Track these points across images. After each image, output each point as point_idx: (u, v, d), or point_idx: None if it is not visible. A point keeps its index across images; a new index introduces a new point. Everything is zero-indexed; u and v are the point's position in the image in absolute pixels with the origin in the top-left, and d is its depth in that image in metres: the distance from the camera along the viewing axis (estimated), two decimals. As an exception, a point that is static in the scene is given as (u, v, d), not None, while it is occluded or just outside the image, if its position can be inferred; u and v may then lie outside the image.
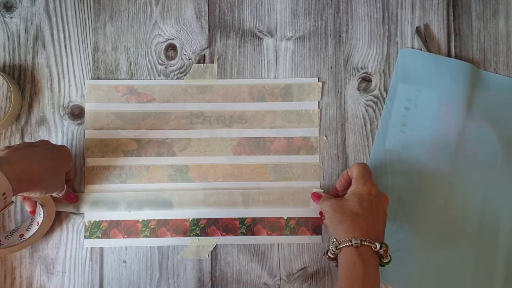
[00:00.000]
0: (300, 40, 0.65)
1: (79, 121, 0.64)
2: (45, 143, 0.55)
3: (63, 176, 0.56)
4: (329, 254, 0.53)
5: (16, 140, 0.63)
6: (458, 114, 0.63)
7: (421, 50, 0.65)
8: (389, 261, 0.52)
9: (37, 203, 0.58)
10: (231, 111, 0.64)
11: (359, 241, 0.50)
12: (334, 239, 0.52)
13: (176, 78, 0.65)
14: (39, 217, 0.59)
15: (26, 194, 0.52)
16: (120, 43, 0.65)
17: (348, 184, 0.57)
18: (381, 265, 0.52)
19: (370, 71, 0.65)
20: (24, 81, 0.64)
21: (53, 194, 0.57)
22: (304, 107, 0.64)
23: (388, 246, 0.52)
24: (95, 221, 0.63)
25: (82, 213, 0.62)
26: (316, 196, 0.60)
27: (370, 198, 0.54)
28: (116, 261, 0.63)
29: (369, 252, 0.50)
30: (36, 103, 0.64)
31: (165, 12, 0.65)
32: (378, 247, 0.50)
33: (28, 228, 0.60)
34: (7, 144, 0.63)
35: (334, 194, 0.61)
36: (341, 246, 0.51)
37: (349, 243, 0.50)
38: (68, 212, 0.62)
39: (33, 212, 0.59)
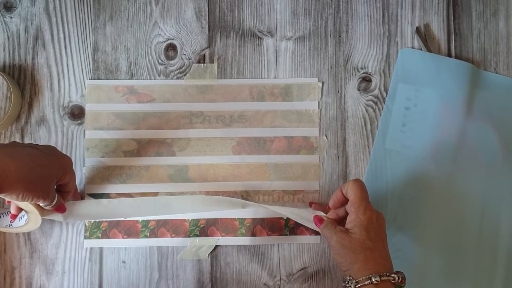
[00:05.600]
0: (300, 40, 0.65)
1: (79, 121, 0.64)
2: (47, 148, 0.52)
3: (51, 186, 0.52)
4: None
5: (15, 140, 0.63)
6: (458, 114, 0.63)
7: (421, 50, 0.65)
8: (404, 286, 0.51)
9: (22, 210, 0.56)
10: (231, 111, 0.64)
11: (379, 278, 0.49)
12: (350, 277, 0.51)
13: (176, 78, 0.65)
14: (22, 218, 0.58)
15: (2, 196, 0.48)
16: (120, 43, 0.65)
17: (342, 203, 0.55)
18: None
19: (370, 71, 0.65)
20: (24, 81, 0.64)
21: (41, 204, 0.54)
22: (304, 107, 0.64)
23: (404, 274, 0.51)
24: (95, 222, 0.62)
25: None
26: (319, 220, 0.57)
27: (373, 226, 0.52)
28: (115, 261, 0.62)
29: (388, 286, 0.50)
30: (36, 103, 0.64)
31: (165, 12, 0.65)
32: (397, 279, 0.50)
33: (20, 218, 0.58)
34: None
35: (335, 218, 0.57)
36: (360, 285, 0.49)
37: (369, 281, 0.49)
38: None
39: (14, 216, 0.57)
